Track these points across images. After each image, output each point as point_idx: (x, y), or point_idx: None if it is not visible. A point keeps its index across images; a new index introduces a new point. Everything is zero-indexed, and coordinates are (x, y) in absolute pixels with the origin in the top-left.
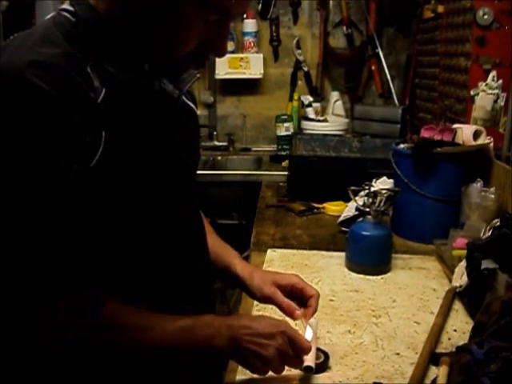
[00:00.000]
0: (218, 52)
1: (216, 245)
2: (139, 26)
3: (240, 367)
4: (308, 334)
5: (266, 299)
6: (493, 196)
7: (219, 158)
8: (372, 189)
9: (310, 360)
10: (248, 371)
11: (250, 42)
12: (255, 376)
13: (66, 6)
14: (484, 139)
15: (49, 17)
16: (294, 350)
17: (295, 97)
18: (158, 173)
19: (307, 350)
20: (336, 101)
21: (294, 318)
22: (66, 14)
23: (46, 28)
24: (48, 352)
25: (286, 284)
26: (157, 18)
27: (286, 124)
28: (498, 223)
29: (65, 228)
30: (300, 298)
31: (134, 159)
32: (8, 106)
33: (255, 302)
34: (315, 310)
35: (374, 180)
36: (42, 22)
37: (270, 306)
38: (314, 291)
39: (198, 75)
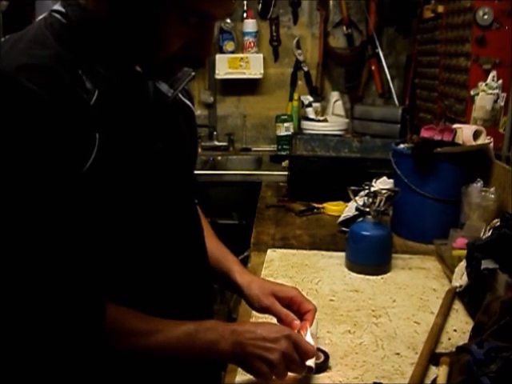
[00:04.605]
0: (201, 54)
1: (215, 249)
2: (124, 26)
3: (240, 368)
4: (309, 338)
5: (263, 309)
6: (493, 196)
7: (219, 158)
8: (372, 189)
9: (310, 360)
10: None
11: (249, 42)
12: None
13: (57, 7)
14: (484, 139)
15: (40, 18)
16: (298, 353)
17: (295, 97)
18: (155, 173)
19: (312, 354)
20: (336, 101)
21: (292, 328)
22: (57, 15)
23: (37, 30)
24: (48, 353)
25: (284, 296)
26: (137, 19)
27: (286, 124)
28: (498, 223)
29: (64, 232)
30: (297, 311)
31: (129, 161)
32: (0, 110)
33: None
34: (311, 325)
35: (374, 180)
36: (33, 24)
37: None
38: (311, 306)
39: (193, 74)
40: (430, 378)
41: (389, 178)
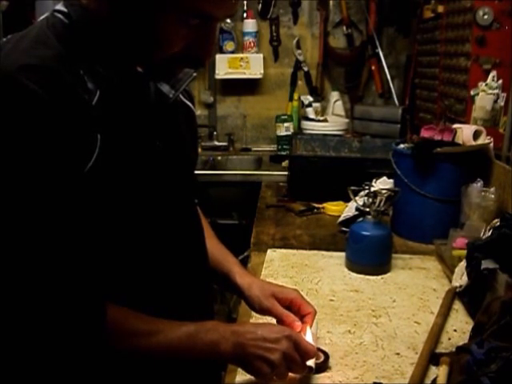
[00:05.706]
0: (202, 55)
1: (216, 250)
2: (124, 27)
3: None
4: (309, 338)
5: (264, 311)
6: (493, 196)
7: (219, 158)
8: (372, 189)
9: (310, 360)
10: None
11: (249, 42)
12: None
13: (59, 7)
14: (484, 139)
15: (42, 18)
16: (299, 353)
17: (295, 97)
18: (155, 173)
19: (312, 354)
20: (336, 101)
21: (292, 329)
22: (59, 15)
23: (39, 30)
24: (49, 353)
25: (284, 298)
26: (137, 19)
27: (286, 124)
28: (498, 223)
29: (65, 233)
30: (297, 313)
31: (129, 161)
32: (2, 110)
33: None
34: (311, 325)
35: (374, 180)
36: (35, 24)
37: None
38: (311, 309)
39: (194, 74)
40: (430, 378)
41: (389, 178)
